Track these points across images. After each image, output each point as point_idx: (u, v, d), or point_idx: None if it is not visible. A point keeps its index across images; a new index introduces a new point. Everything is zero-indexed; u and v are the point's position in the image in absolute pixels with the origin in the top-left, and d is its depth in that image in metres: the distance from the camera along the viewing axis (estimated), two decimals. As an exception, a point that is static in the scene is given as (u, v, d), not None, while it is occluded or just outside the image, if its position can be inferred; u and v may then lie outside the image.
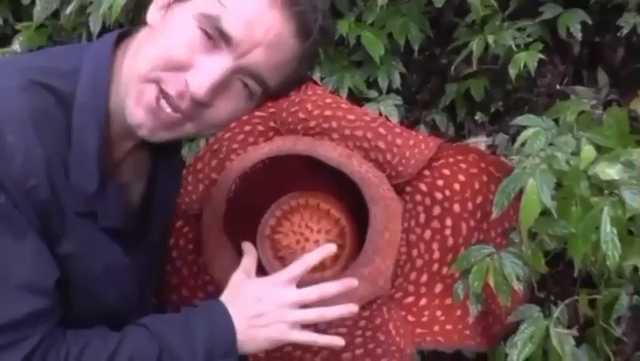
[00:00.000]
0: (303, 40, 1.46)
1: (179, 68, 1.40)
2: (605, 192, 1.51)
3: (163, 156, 1.66)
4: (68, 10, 2.44)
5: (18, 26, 2.59)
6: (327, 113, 2.02)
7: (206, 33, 1.40)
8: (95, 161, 1.45)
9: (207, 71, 1.40)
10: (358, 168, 1.88)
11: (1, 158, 1.32)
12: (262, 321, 1.56)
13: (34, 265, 1.39)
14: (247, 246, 1.72)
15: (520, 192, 1.59)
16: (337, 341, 1.61)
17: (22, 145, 1.34)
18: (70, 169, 1.43)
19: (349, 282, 1.65)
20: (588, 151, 1.59)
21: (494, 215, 1.61)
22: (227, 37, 1.39)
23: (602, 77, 2.23)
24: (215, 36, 1.40)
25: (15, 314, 1.37)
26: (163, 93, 1.41)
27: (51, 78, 1.44)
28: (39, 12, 2.52)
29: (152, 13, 1.50)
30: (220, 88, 1.42)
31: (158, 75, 1.41)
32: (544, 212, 1.55)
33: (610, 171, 1.50)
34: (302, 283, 1.83)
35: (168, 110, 1.42)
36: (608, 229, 1.48)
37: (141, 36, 1.50)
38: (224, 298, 1.60)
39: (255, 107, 1.57)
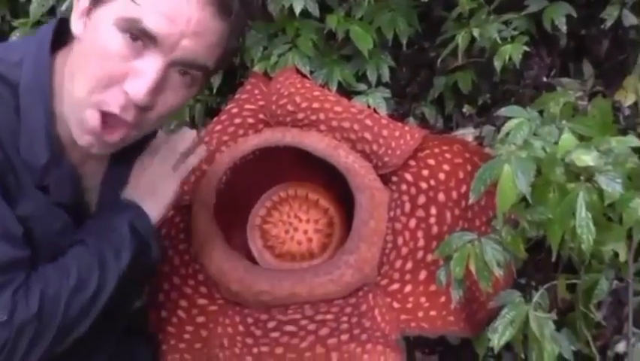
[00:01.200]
0: (226, 19, 1.47)
1: (115, 81, 1.42)
2: (581, 178, 1.54)
3: (116, 157, 1.69)
4: (64, 6, 2.46)
5: (15, 23, 2.62)
6: (315, 105, 2.06)
7: (130, 35, 1.41)
8: (43, 137, 1.50)
9: (142, 75, 1.41)
10: (345, 158, 1.92)
11: None
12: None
13: (4, 217, 1.45)
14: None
15: (502, 180, 1.62)
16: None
17: None
18: (21, 145, 1.48)
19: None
20: (567, 139, 1.61)
21: (471, 201, 1.63)
22: (151, 36, 1.40)
23: (588, 69, 2.26)
24: (141, 39, 1.41)
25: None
26: (107, 116, 1.44)
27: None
28: (35, 9, 2.54)
29: (74, 23, 1.51)
30: (159, 87, 1.44)
31: (97, 99, 1.44)
32: (524, 199, 1.58)
33: (585, 158, 1.52)
34: (291, 271, 1.88)
35: (114, 134, 1.47)
36: (583, 214, 1.50)
37: (74, 52, 1.51)
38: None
39: (200, 88, 1.60)
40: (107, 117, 1.45)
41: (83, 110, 1.45)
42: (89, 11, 1.48)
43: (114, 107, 1.43)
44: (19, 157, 1.48)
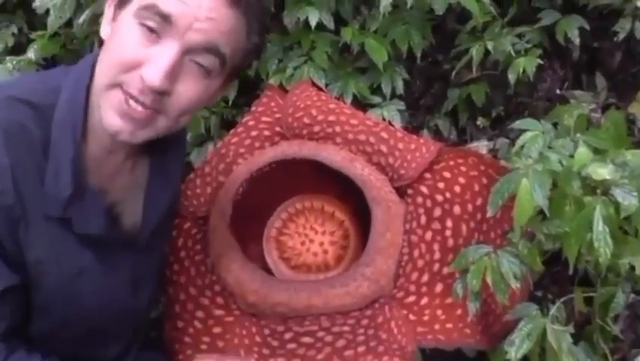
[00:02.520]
0: (239, 7, 1.49)
1: (133, 66, 1.45)
2: (598, 191, 1.54)
3: (154, 168, 1.72)
4: (81, 19, 2.48)
5: (32, 35, 2.63)
6: (331, 118, 2.07)
7: (147, 27, 1.44)
8: (69, 169, 1.52)
9: (158, 60, 1.44)
10: (361, 171, 1.93)
11: None
12: None
13: None
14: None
15: (518, 193, 1.63)
16: None
17: None
18: (46, 178, 1.51)
19: None
20: (582, 153, 1.62)
21: (489, 214, 1.64)
22: (166, 16, 1.43)
23: (601, 82, 2.27)
24: (157, 24, 1.44)
25: None
26: (128, 94, 1.46)
27: (32, 95, 1.53)
28: (53, 21, 2.55)
29: (103, 30, 1.57)
30: (174, 73, 1.46)
31: (118, 80, 1.46)
32: (541, 212, 1.59)
33: (602, 171, 1.53)
34: (308, 282, 1.89)
35: (139, 108, 1.46)
36: (600, 228, 1.51)
37: (101, 53, 1.55)
38: None
39: (223, 84, 1.61)
40: (129, 96, 1.47)
41: (107, 92, 1.48)
42: (114, 17, 1.53)
43: (133, 89, 1.45)
44: (39, 191, 1.50)
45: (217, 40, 1.48)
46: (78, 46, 2.67)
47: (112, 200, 1.65)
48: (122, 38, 1.48)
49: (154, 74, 1.43)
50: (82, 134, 1.55)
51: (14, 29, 2.78)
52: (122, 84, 1.46)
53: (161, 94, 1.46)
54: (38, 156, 1.50)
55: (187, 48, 1.46)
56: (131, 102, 1.46)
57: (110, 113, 1.48)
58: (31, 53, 2.60)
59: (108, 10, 1.57)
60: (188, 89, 1.50)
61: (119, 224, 1.68)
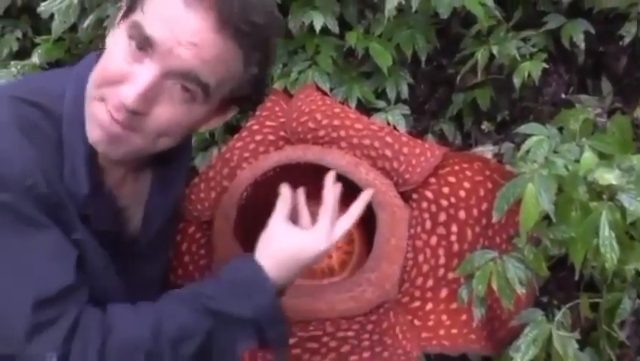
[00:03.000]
0: (224, 33, 1.44)
1: (115, 81, 1.44)
2: (604, 196, 1.54)
3: (156, 179, 1.72)
4: (86, 23, 2.49)
5: (37, 40, 2.64)
6: (336, 122, 2.07)
7: (136, 44, 1.43)
8: (83, 167, 1.52)
9: (135, 80, 1.43)
10: (366, 175, 1.93)
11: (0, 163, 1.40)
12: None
13: (55, 247, 1.46)
14: (284, 189, 1.76)
15: (524, 197, 1.62)
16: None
17: (18, 149, 1.43)
18: (64, 177, 1.51)
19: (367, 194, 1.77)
20: (588, 157, 1.62)
21: (494, 219, 1.64)
22: (149, 40, 1.42)
23: (606, 86, 2.27)
24: (141, 44, 1.43)
25: (47, 291, 1.41)
26: (107, 109, 1.45)
27: (39, 96, 1.53)
28: (57, 26, 2.56)
29: (108, 36, 1.57)
30: (153, 95, 1.44)
31: (102, 93, 1.46)
32: (547, 217, 1.59)
33: (608, 177, 1.52)
34: (312, 287, 1.88)
35: (114, 124, 1.45)
36: (606, 233, 1.51)
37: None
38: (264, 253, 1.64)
39: (215, 112, 1.59)
40: (108, 112, 1.46)
41: (93, 104, 1.48)
42: (118, 24, 1.53)
43: (111, 106, 1.44)
44: (62, 189, 1.50)
45: (197, 69, 1.44)
46: (82, 50, 2.68)
47: (119, 206, 1.67)
48: (112, 51, 1.48)
49: (129, 93, 1.42)
50: None
51: (19, 34, 2.80)
52: (103, 98, 1.46)
53: (135, 113, 1.44)
54: (54, 153, 1.50)
55: (167, 72, 1.43)
56: (110, 117, 1.45)
57: (92, 125, 1.49)
58: (35, 58, 2.62)
59: (117, 19, 1.56)
60: (166, 112, 1.48)
61: (125, 230, 1.69)
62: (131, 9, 1.48)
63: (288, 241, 1.65)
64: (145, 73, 1.43)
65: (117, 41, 1.47)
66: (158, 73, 1.43)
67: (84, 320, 1.43)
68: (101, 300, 1.55)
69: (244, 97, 1.61)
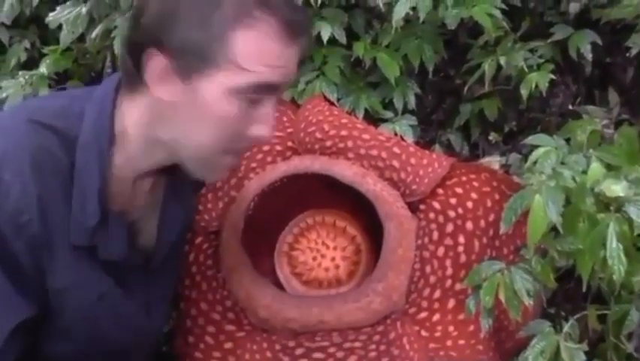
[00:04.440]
0: (300, 44, 1.49)
1: (239, 134, 1.48)
2: (611, 208, 1.54)
3: (172, 187, 1.71)
4: (94, 34, 2.50)
5: (45, 50, 2.65)
6: (343, 133, 2.07)
7: (249, 99, 1.44)
8: (95, 199, 1.49)
9: (266, 120, 1.48)
10: (373, 186, 1.93)
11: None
12: None
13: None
14: None
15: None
16: None
17: (18, 183, 1.40)
18: (73, 205, 1.48)
19: None
20: (595, 169, 1.61)
21: (502, 230, 1.64)
22: (272, 87, 1.46)
23: (613, 97, 2.27)
24: (261, 94, 1.45)
25: None
26: (235, 153, 1.55)
27: (56, 119, 1.50)
28: (65, 36, 2.57)
29: (156, 86, 1.45)
30: None
31: (228, 147, 1.50)
32: (554, 228, 1.58)
33: (616, 188, 1.52)
34: (319, 298, 1.89)
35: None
36: (614, 245, 1.50)
37: (167, 117, 1.48)
38: None
39: None
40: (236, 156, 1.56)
41: (215, 159, 1.51)
42: (184, 78, 1.43)
43: (242, 150, 1.57)
44: (65, 219, 1.48)
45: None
46: (90, 60, 2.69)
47: (130, 219, 1.64)
48: (220, 116, 1.44)
49: (266, 132, 1.49)
50: (107, 160, 1.52)
51: (27, 44, 2.80)
52: (232, 150, 1.52)
53: None
54: (65, 183, 1.48)
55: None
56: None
57: (215, 172, 1.59)
58: (43, 68, 2.62)
59: (152, 66, 1.44)
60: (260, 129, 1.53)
61: (136, 243, 1.67)
62: (202, 63, 1.41)
63: None
64: (271, 109, 1.49)
65: (218, 104, 1.43)
66: (276, 101, 1.52)
67: None
68: (101, 327, 1.61)
69: None
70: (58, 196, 1.47)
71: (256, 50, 1.41)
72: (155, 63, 1.43)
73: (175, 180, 1.68)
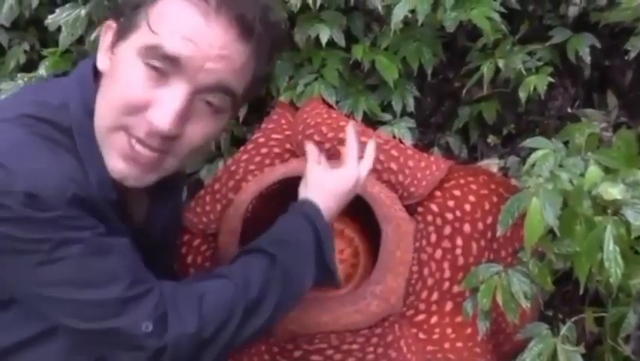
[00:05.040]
0: (249, 40, 1.43)
1: (139, 109, 1.39)
2: (609, 211, 1.54)
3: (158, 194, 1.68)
4: (93, 36, 2.49)
5: (44, 52, 2.65)
6: (342, 135, 2.06)
7: (153, 67, 1.38)
8: (108, 176, 1.46)
9: (166, 103, 1.38)
10: (371, 188, 1.93)
11: (33, 182, 1.33)
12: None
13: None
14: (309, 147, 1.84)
15: (529, 211, 1.62)
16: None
17: (46, 166, 1.37)
18: (92, 183, 1.45)
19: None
20: (593, 171, 1.62)
21: (499, 233, 1.64)
22: (174, 59, 1.37)
23: (612, 100, 2.27)
24: (163, 66, 1.38)
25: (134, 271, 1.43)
26: (133, 137, 1.41)
27: (45, 112, 1.47)
28: (64, 38, 2.56)
29: (100, 59, 1.51)
30: (184, 115, 1.41)
31: (122, 122, 1.41)
32: (551, 231, 1.59)
33: (613, 191, 1.52)
34: (317, 300, 1.89)
35: (146, 152, 1.42)
36: (611, 248, 1.50)
37: (101, 89, 1.49)
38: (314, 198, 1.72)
39: (232, 116, 1.58)
40: (135, 141, 1.42)
41: (111, 135, 1.43)
42: (112, 46, 1.47)
43: (139, 132, 1.40)
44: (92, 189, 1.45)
45: (229, 79, 1.43)
46: (89, 62, 2.68)
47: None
48: (124, 78, 1.42)
49: (162, 118, 1.38)
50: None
51: (26, 46, 2.79)
52: (126, 127, 1.41)
53: (169, 137, 1.41)
54: (78, 163, 1.44)
55: (197, 89, 1.41)
56: (137, 146, 1.41)
57: (114, 157, 1.44)
58: (42, 70, 2.61)
59: (104, 38, 1.51)
60: (199, 130, 1.45)
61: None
62: (129, 27, 1.43)
63: (328, 179, 1.75)
64: (175, 93, 1.39)
65: (128, 68, 1.41)
66: (189, 91, 1.40)
67: (167, 291, 1.44)
68: None
69: (253, 93, 1.61)
70: (80, 172, 1.43)
71: (167, 13, 1.40)
72: (108, 35, 1.50)
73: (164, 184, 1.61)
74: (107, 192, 1.47)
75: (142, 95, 1.39)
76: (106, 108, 1.44)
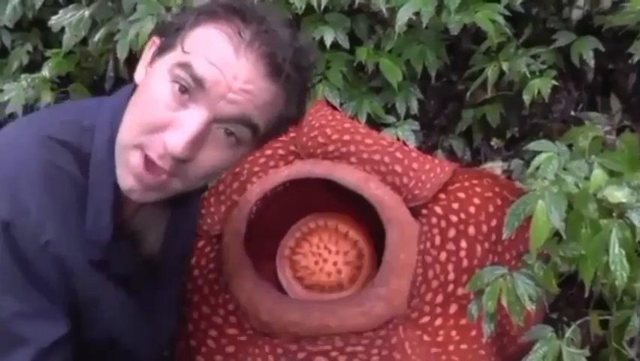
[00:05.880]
0: (276, 80, 1.42)
1: (158, 128, 1.38)
2: (614, 214, 1.54)
3: (179, 199, 1.64)
4: (96, 37, 2.50)
5: (47, 53, 2.65)
6: (346, 137, 2.07)
7: (179, 86, 1.38)
8: (109, 214, 1.48)
9: (183, 127, 1.37)
10: (375, 191, 1.93)
11: (15, 213, 1.37)
12: None
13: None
14: None
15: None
16: None
17: (36, 201, 1.38)
18: (87, 221, 1.47)
19: None
20: (598, 175, 1.62)
21: (505, 236, 1.64)
22: (199, 80, 1.37)
23: (615, 103, 2.28)
24: (189, 86, 1.37)
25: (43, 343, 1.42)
26: (146, 159, 1.40)
27: (69, 134, 1.48)
28: (68, 39, 2.56)
29: (138, 73, 1.52)
30: (199, 141, 1.39)
31: (140, 140, 1.40)
32: (557, 234, 1.59)
33: (618, 194, 1.52)
34: (321, 302, 1.89)
35: (155, 174, 1.40)
36: (616, 251, 1.50)
37: (130, 102, 1.49)
38: None
39: (254, 148, 1.56)
40: (147, 161, 1.41)
41: (128, 152, 1.42)
42: (151, 61, 1.48)
43: (153, 153, 1.39)
44: (81, 234, 1.46)
45: (251, 113, 1.41)
46: (93, 64, 2.69)
47: (131, 229, 1.62)
48: (151, 94, 1.41)
49: (177, 141, 1.36)
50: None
51: (29, 47, 2.79)
52: (142, 146, 1.40)
53: (180, 160, 1.40)
54: (80, 199, 1.46)
55: (217, 118, 1.39)
56: (147, 171, 1.41)
57: (125, 172, 1.43)
58: (45, 71, 2.61)
59: (147, 53, 1.52)
60: (212, 157, 1.43)
61: (139, 253, 1.66)
62: (167, 47, 1.44)
63: None
64: (194, 119, 1.37)
65: (156, 84, 1.41)
66: (206, 119, 1.38)
67: None
68: (121, 339, 1.61)
69: (280, 132, 1.59)
70: (74, 212, 1.46)
71: (202, 37, 1.41)
72: (150, 50, 1.51)
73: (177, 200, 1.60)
74: (101, 231, 1.49)
75: (163, 114, 1.39)
76: (128, 123, 1.44)
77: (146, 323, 1.69)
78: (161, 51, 1.46)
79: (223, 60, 1.38)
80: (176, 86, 1.38)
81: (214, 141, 1.42)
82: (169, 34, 1.46)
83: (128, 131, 1.43)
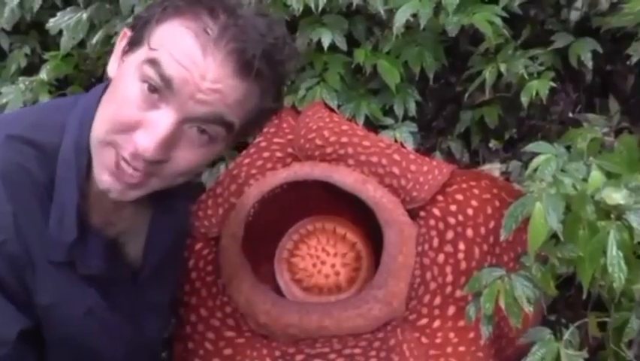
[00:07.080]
0: (246, 77, 1.40)
1: (129, 128, 1.38)
2: (612, 216, 1.54)
3: (161, 200, 1.65)
4: (94, 39, 2.51)
5: (45, 56, 2.65)
6: (344, 139, 2.07)
7: (149, 85, 1.37)
8: (73, 214, 1.48)
9: (153, 128, 1.37)
10: (373, 193, 1.93)
11: None
12: None
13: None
14: None
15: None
16: None
17: None
18: (50, 222, 1.47)
19: None
20: (596, 176, 1.61)
21: (502, 238, 1.63)
22: (167, 79, 1.36)
23: (614, 105, 2.27)
24: (158, 85, 1.36)
25: None
26: (120, 156, 1.40)
27: (36, 132, 1.48)
28: (66, 41, 2.57)
29: (111, 65, 1.51)
30: (170, 142, 1.39)
31: (112, 139, 1.40)
32: (554, 236, 1.58)
33: (616, 196, 1.52)
34: (319, 304, 1.89)
35: (130, 171, 1.40)
36: (614, 252, 1.50)
37: (103, 97, 1.49)
38: None
39: (233, 142, 1.55)
40: (121, 160, 1.41)
41: (102, 149, 1.43)
42: (123, 54, 1.47)
43: (125, 152, 1.39)
44: (43, 235, 1.46)
45: (222, 111, 1.41)
46: (91, 66, 2.69)
47: (116, 231, 1.63)
48: (122, 94, 1.41)
49: (148, 143, 1.37)
50: (87, 173, 1.50)
51: (27, 50, 2.80)
52: (115, 144, 1.40)
53: (153, 161, 1.40)
54: (42, 199, 1.46)
55: (187, 118, 1.39)
56: (123, 164, 1.40)
57: (101, 170, 1.44)
58: (43, 74, 2.62)
59: (119, 45, 1.51)
60: (186, 156, 1.44)
61: (122, 256, 1.66)
62: (136, 41, 1.44)
63: None
64: (164, 120, 1.37)
65: (126, 82, 1.40)
66: (176, 120, 1.38)
67: None
68: (92, 341, 1.61)
69: (256, 126, 1.60)
70: (35, 213, 1.46)
71: (169, 35, 1.40)
72: (122, 42, 1.50)
73: (165, 193, 1.58)
74: (65, 232, 1.49)
75: (134, 115, 1.39)
76: (100, 121, 1.45)
77: (125, 325, 1.69)
78: (131, 45, 1.45)
79: (190, 59, 1.37)
80: (145, 86, 1.37)
81: (187, 140, 1.42)
82: (138, 26, 1.45)
83: (101, 128, 1.44)
